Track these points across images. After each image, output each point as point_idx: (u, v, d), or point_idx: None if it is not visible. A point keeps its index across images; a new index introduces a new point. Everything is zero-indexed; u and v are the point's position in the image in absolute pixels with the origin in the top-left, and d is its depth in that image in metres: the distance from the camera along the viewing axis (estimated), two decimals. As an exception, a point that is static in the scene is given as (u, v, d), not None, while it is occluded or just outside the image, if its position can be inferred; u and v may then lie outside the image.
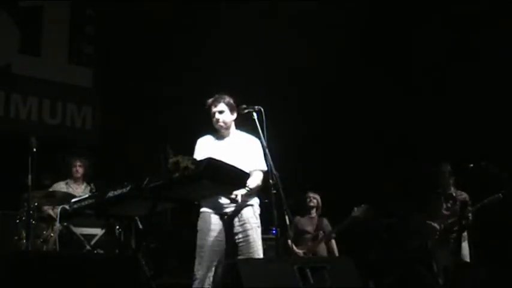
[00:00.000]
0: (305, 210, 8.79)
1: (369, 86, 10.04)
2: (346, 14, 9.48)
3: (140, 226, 6.42)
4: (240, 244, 5.72)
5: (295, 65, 9.53)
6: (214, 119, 5.91)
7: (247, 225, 5.77)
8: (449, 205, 8.23)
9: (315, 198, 8.77)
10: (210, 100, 5.94)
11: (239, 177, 4.84)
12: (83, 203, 5.03)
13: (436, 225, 8.21)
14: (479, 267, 7.06)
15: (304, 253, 8.41)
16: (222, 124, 5.91)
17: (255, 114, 5.92)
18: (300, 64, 9.51)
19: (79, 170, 8.16)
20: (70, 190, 7.86)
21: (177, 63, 9.99)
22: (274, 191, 5.81)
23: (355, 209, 8.39)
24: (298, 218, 8.60)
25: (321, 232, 8.60)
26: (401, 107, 9.98)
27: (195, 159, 4.55)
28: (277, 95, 8.69)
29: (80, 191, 7.91)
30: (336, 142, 9.98)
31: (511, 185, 7.63)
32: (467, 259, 7.99)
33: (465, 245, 8.08)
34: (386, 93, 9.98)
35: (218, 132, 5.99)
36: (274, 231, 7.23)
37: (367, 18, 9.74)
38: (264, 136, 5.86)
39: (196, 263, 5.70)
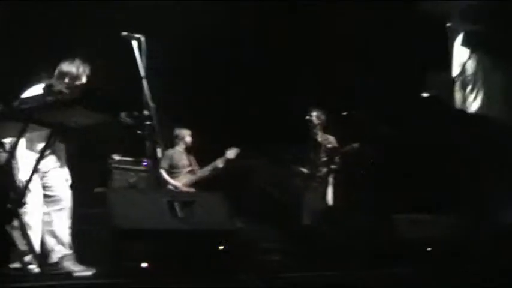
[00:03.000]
0: (177, 144, 8.66)
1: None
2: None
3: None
4: None
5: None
6: None
7: None
8: (315, 152, 8.42)
9: (190, 135, 8.71)
10: None
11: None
12: None
13: (304, 170, 8.46)
14: (345, 211, 7.46)
15: (182, 185, 8.39)
16: None
17: (134, 42, 5.80)
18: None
19: None
20: None
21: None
22: (149, 123, 5.77)
23: (227, 152, 8.50)
24: (172, 151, 8.52)
25: (197, 168, 8.62)
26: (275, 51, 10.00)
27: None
28: (161, 24, 8.35)
29: None
30: (215, 77, 9.80)
31: (379, 133, 8.01)
32: (330, 202, 8.26)
33: (330, 189, 8.35)
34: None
35: None
36: (145, 163, 7.21)
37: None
38: (142, 65, 5.78)
39: None
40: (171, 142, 8.46)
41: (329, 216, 7.24)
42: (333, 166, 8.37)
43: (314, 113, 8.54)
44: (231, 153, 8.51)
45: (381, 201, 8.03)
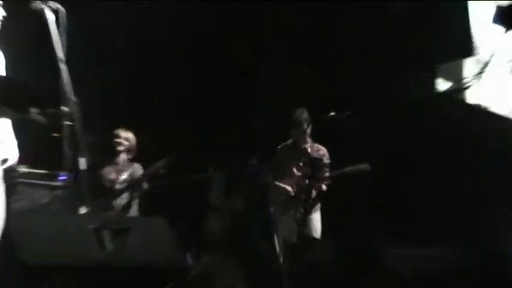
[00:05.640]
0: (111, 153, 7.39)
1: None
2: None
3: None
4: None
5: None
6: None
7: None
8: (301, 163, 6.77)
9: (126, 140, 7.29)
10: None
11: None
12: None
13: (288, 187, 6.81)
14: (325, 244, 6.45)
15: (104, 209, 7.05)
16: None
17: (50, 14, 4.66)
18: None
19: None
20: None
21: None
22: (70, 123, 4.76)
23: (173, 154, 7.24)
24: (101, 162, 7.21)
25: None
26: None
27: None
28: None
29: None
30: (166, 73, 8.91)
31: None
32: (317, 233, 6.84)
33: (316, 216, 6.82)
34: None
35: None
36: (62, 177, 6.07)
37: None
38: (61, 44, 4.66)
39: None
40: (103, 149, 7.32)
41: (307, 250, 6.12)
42: (324, 187, 6.72)
43: (304, 115, 6.82)
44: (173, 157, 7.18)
45: (369, 233, 7.03)
